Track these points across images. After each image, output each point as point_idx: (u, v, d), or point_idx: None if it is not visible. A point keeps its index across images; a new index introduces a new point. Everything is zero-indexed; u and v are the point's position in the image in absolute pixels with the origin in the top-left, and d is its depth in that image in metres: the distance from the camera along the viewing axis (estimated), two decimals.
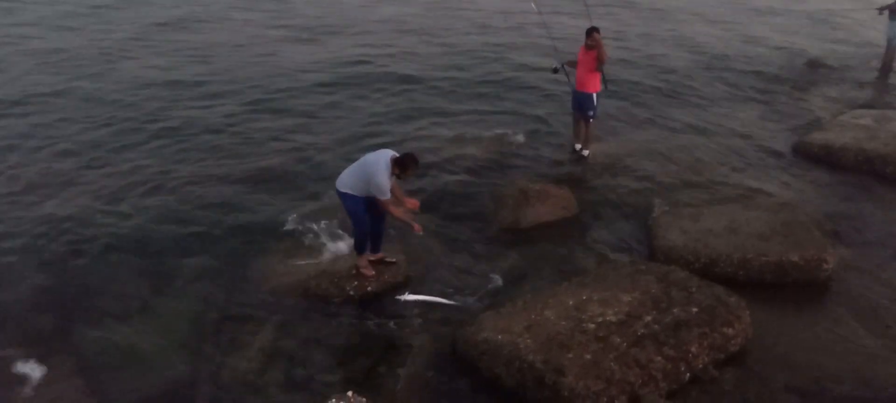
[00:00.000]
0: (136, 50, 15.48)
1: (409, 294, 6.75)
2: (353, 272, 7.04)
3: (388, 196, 6.41)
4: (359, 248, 6.95)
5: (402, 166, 6.37)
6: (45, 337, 6.33)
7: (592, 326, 5.86)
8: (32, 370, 5.91)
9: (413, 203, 6.87)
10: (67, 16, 18.51)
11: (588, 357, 5.51)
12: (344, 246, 7.56)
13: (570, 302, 6.22)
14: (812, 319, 6.69)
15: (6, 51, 15.31)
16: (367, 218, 6.73)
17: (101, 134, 10.85)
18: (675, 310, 6.04)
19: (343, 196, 6.67)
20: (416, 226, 6.74)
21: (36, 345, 6.22)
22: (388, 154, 6.48)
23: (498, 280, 7.23)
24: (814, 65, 15.12)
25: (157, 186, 9.16)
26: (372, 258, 7.11)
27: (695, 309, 6.04)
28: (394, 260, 7.24)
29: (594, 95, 9.72)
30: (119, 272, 7.34)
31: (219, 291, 7.00)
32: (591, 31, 9.43)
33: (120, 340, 6.33)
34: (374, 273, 7.00)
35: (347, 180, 6.62)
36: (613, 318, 5.95)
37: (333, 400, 4.89)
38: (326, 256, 7.47)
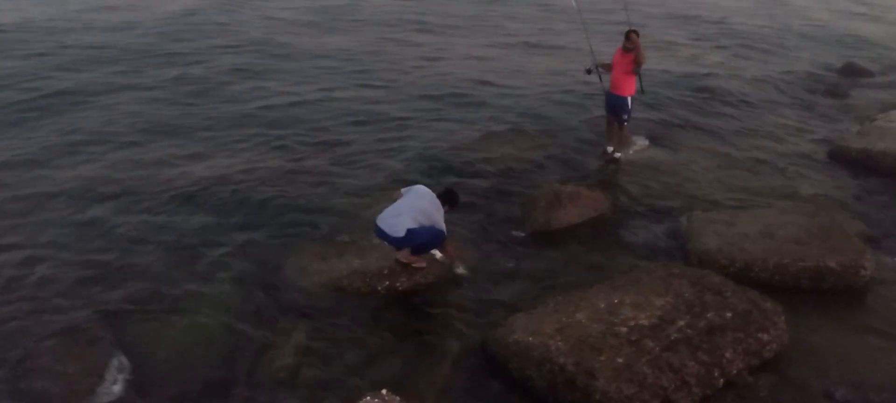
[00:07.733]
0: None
1: None
2: (386, 271, 7.11)
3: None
4: (419, 251, 7.04)
5: (452, 203, 6.62)
6: (80, 331, 6.41)
7: (625, 329, 5.83)
8: (69, 363, 5.98)
9: (451, 253, 7.14)
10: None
11: (620, 360, 5.49)
12: (378, 244, 7.61)
13: (602, 305, 6.20)
14: (850, 326, 6.57)
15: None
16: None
17: (140, 124, 11.08)
18: (709, 315, 5.98)
19: (412, 233, 6.69)
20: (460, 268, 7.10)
21: (72, 339, 6.30)
22: (430, 193, 6.69)
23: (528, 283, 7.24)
24: (852, 69, 14.86)
25: (192, 181, 9.29)
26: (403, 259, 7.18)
27: (729, 314, 5.98)
28: (423, 264, 7.29)
29: (628, 99, 9.67)
30: (154, 267, 7.44)
31: (253, 288, 7.08)
32: (630, 34, 9.38)
33: (155, 335, 6.42)
34: (424, 264, 7.12)
35: (405, 220, 6.67)
36: (646, 322, 5.92)
37: (368, 398, 4.92)
38: (359, 255, 7.52)
